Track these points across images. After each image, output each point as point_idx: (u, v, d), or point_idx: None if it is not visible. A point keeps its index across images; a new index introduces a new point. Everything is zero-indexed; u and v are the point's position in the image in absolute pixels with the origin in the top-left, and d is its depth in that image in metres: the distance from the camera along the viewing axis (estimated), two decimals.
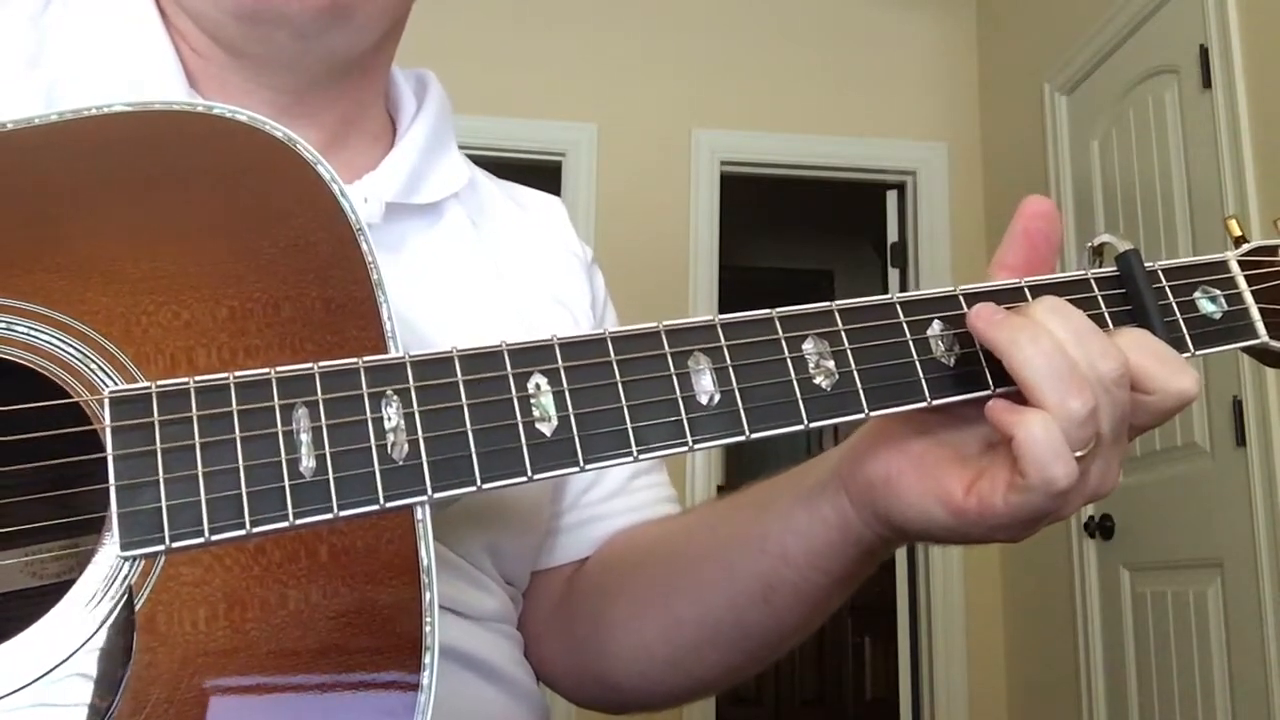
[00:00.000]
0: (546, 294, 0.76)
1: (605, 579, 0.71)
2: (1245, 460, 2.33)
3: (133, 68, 0.65)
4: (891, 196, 3.84)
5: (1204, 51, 2.53)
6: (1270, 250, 0.58)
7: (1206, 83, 2.52)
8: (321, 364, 0.44)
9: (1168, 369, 0.50)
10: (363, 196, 0.67)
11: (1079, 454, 0.48)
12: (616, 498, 0.75)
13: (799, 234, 5.98)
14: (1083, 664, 2.93)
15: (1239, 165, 2.39)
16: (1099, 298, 0.54)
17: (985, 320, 0.50)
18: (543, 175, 3.14)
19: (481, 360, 0.46)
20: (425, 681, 0.43)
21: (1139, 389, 0.49)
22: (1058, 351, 0.47)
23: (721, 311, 0.50)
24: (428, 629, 0.44)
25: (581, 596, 0.71)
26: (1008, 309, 0.51)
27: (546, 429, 0.45)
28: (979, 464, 0.51)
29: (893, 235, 3.84)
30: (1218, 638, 2.42)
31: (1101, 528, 2.84)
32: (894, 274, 3.80)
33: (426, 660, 0.44)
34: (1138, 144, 2.82)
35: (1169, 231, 2.63)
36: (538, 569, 0.74)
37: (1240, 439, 2.35)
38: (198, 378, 0.44)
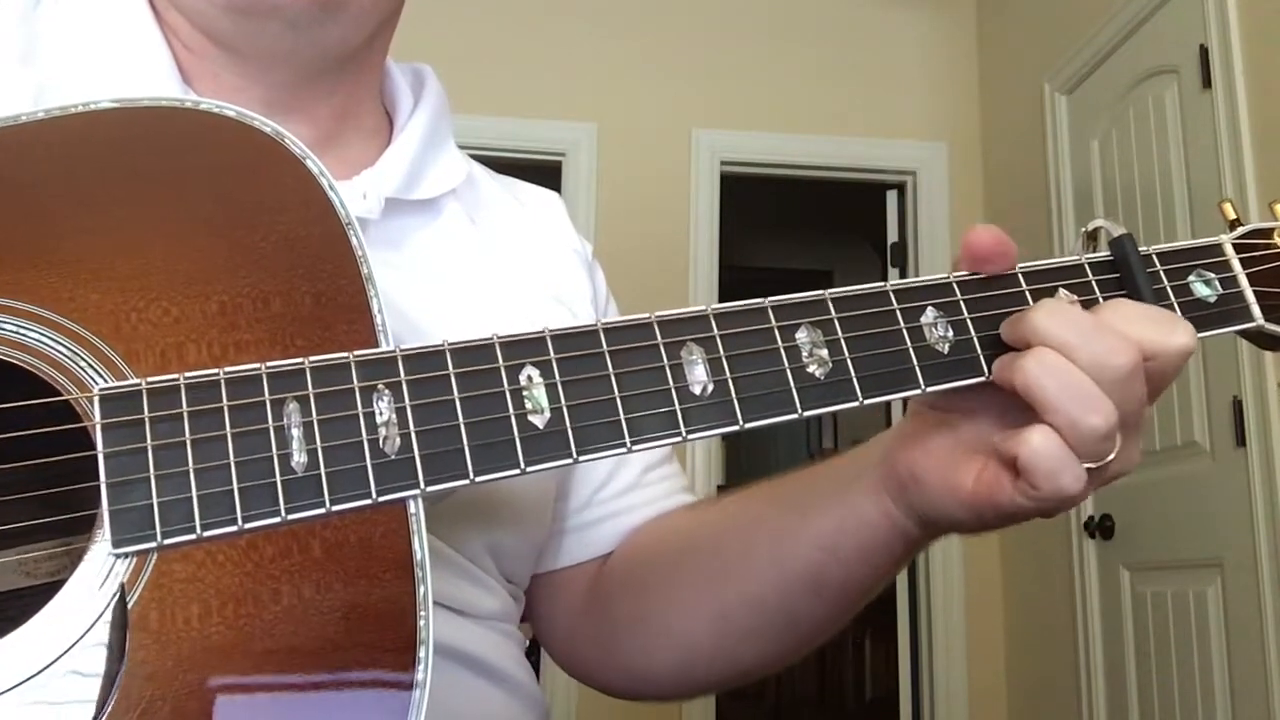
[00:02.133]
0: (545, 291, 0.75)
1: (640, 573, 0.70)
2: (1245, 460, 2.33)
3: (126, 65, 0.65)
4: (891, 196, 3.84)
5: (1204, 51, 2.53)
6: (1265, 233, 0.58)
7: (1206, 83, 2.52)
8: (312, 358, 0.44)
9: (1162, 331, 0.50)
10: (361, 192, 0.66)
11: (1105, 462, 0.48)
12: (632, 492, 0.74)
13: (799, 234, 5.98)
14: (1083, 664, 2.92)
15: (1239, 165, 2.38)
16: (1093, 283, 0.54)
17: (1002, 366, 0.50)
18: (543, 175, 3.13)
19: (473, 353, 0.46)
20: (420, 677, 0.43)
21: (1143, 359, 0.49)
22: (1066, 369, 0.47)
23: None
24: (422, 623, 0.44)
25: (614, 593, 0.71)
26: (1009, 313, 0.51)
27: (539, 421, 0.45)
28: (987, 460, 0.51)
29: (893, 235, 3.84)
30: (1218, 638, 2.42)
31: (1101, 528, 2.84)
32: (894, 274, 3.80)
33: (421, 655, 0.43)
34: (1138, 144, 2.82)
35: (1169, 231, 2.63)
36: (559, 567, 0.73)
37: (1240, 439, 2.34)
38: (187, 374, 0.43)
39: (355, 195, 0.66)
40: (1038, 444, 0.47)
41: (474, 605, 0.65)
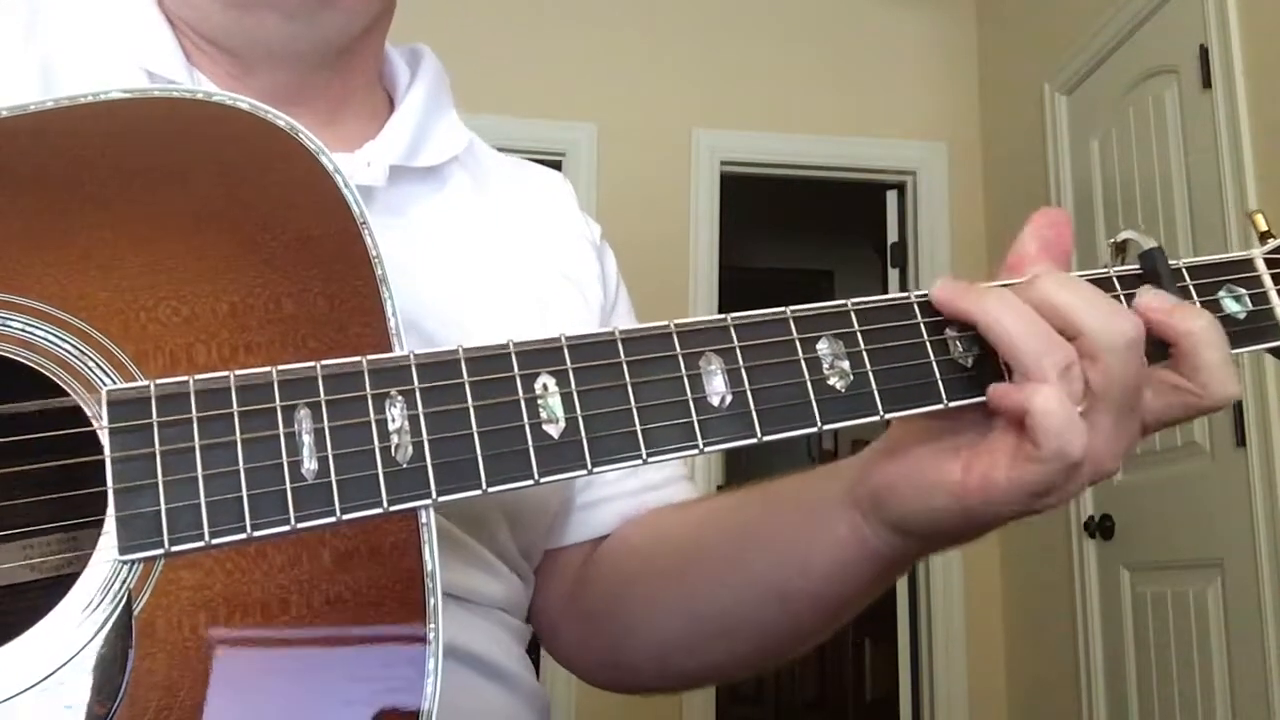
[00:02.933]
0: (553, 266, 0.76)
1: (622, 566, 0.71)
2: (1245, 460, 2.33)
3: (130, 44, 0.65)
4: (891, 196, 3.85)
5: (1204, 51, 2.53)
6: None
7: (1206, 83, 2.52)
8: (324, 364, 0.44)
9: (1100, 312, 0.48)
10: (365, 161, 0.66)
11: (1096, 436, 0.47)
12: (631, 477, 0.74)
13: (799, 234, 5.98)
14: (1083, 664, 2.93)
15: (1239, 165, 2.38)
16: (1121, 296, 0.53)
17: (948, 292, 0.49)
18: None
19: (488, 361, 0.45)
20: (429, 689, 0.43)
21: (1183, 366, 0.49)
22: (1026, 312, 0.47)
23: (721, 312, 0.49)
24: (431, 633, 0.43)
25: (599, 580, 0.71)
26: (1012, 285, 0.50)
27: (554, 431, 0.45)
28: (974, 448, 0.50)
29: (893, 235, 3.84)
30: (1218, 638, 2.42)
31: (1101, 528, 2.84)
32: (894, 274, 3.81)
33: (430, 666, 0.43)
34: (1138, 144, 2.82)
35: (1169, 231, 2.63)
36: (552, 547, 0.73)
37: (1240, 439, 2.34)
38: (198, 377, 0.43)
39: (359, 165, 0.66)
40: (1049, 397, 0.46)
41: (479, 592, 0.65)
